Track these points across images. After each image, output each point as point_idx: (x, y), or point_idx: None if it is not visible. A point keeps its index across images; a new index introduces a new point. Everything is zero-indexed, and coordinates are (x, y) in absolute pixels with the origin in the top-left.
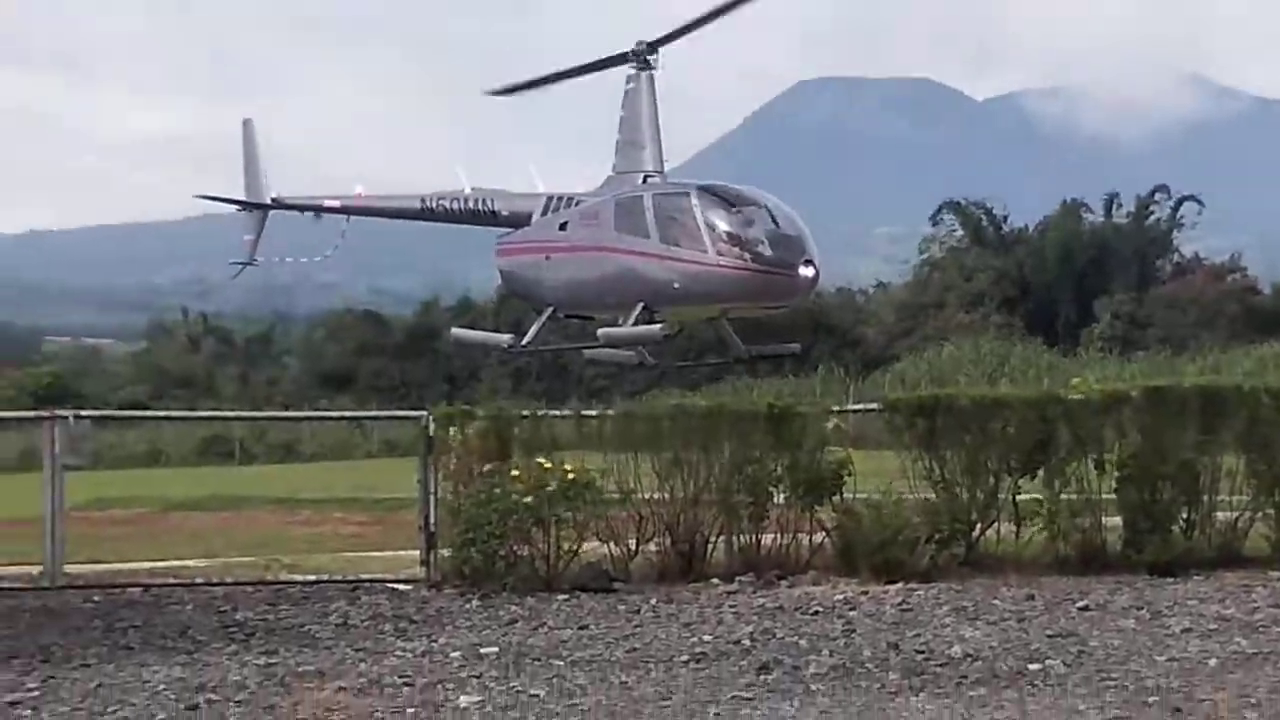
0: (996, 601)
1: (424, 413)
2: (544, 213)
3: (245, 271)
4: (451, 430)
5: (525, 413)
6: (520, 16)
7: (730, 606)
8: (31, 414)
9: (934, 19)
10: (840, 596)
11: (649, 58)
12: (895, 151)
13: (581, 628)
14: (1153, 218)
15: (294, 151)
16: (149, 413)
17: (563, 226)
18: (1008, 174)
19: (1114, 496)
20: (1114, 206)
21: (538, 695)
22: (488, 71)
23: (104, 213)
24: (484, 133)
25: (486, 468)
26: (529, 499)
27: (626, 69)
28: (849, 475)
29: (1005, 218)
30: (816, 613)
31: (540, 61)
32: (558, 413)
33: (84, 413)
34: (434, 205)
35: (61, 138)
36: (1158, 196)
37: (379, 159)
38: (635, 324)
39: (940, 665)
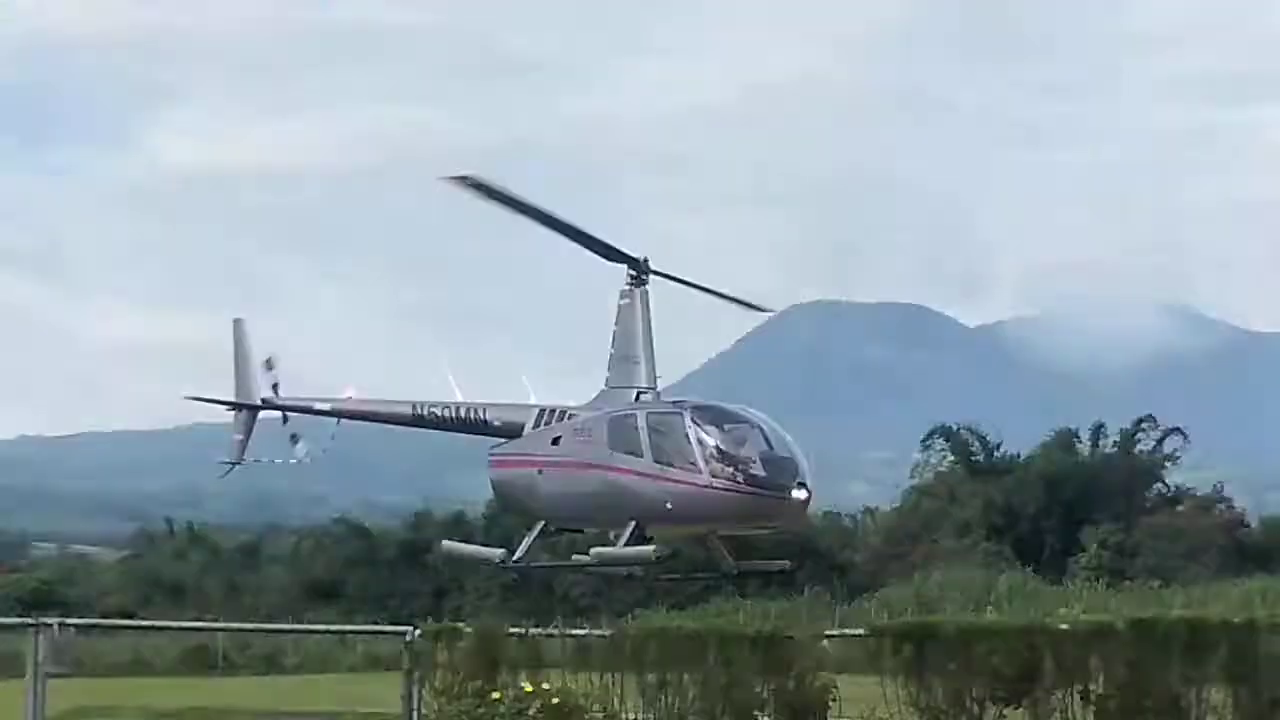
0: None
1: (409, 628)
2: (536, 425)
3: (236, 481)
4: (438, 647)
5: (513, 630)
6: (508, 239)
7: None
8: (16, 620)
9: (921, 246)
10: None
11: (643, 276)
12: (884, 376)
13: None
14: (1137, 448)
15: (288, 363)
16: (133, 622)
17: (556, 441)
18: (992, 401)
19: None
20: (1100, 437)
21: None
22: (485, 290)
23: (96, 419)
24: (482, 350)
25: (472, 685)
26: None
27: (622, 284)
28: (834, 700)
29: (998, 445)
30: None
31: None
32: (545, 631)
33: (69, 620)
34: (425, 413)
35: (53, 343)
36: (1144, 426)
37: (375, 374)
38: (628, 543)
39: None
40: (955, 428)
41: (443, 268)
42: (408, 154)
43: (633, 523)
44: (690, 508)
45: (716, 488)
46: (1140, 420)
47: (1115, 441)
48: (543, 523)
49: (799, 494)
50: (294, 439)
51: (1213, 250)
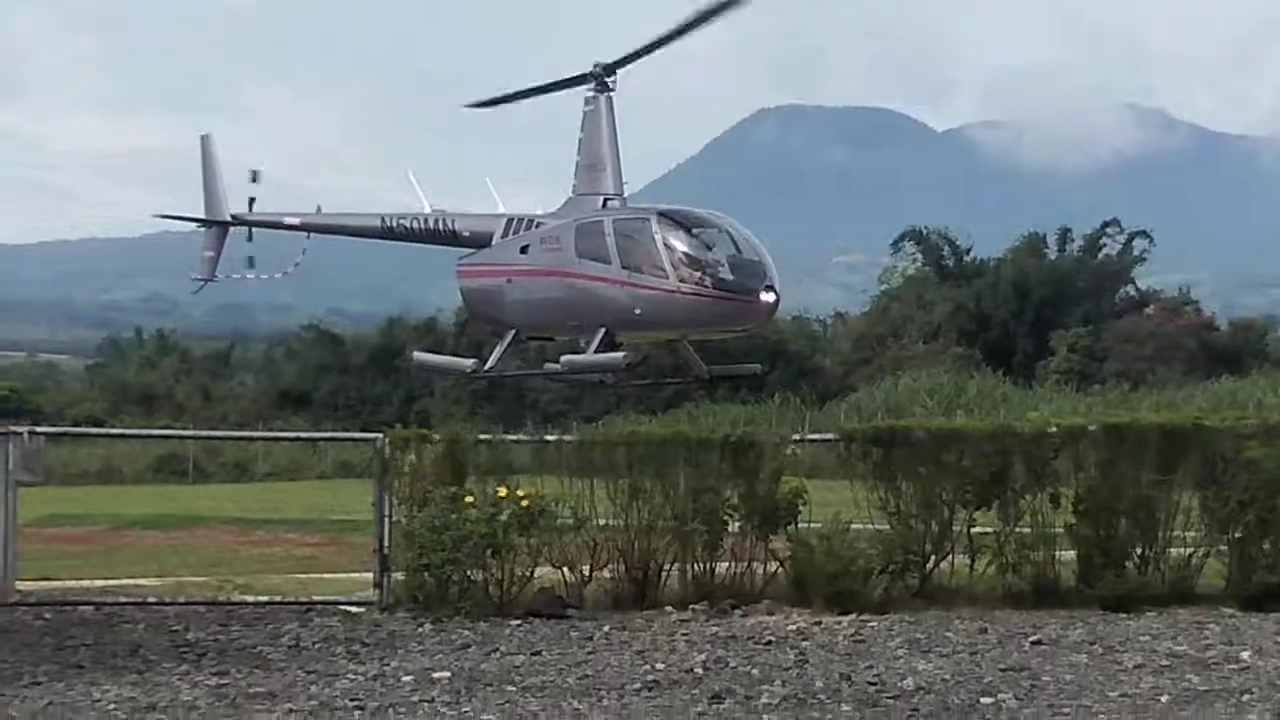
0: (949, 634)
1: (379, 435)
2: (505, 234)
3: (205, 291)
4: (406, 454)
5: (481, 437)
6: (492, 43)
7: (683, 635)
8: None
9: (887, 51)
10: (793, 627)
11: (607, 80)
12: (853, 180)
13: (534, 654)
14: (1103, 252)
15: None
16: (103, 430)
17: (524, 249)
18: (959, 204)
19: (1069, 531)
20: (1067, 241)
21: None
22: (460, 95)
23: (62, 228)
24: (457, 154)
25: (442, 492)
26: (483, 525)
27: (585, 91)
28: (804, 505)
29: (969, 250)
30: (769, 643)
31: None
32: (514, 437)
33: (39, 429)
34: (394, 225)
35: (17, 152)
36: (1109, 230)
37: (351, 179)
38: (598, 349)
39: (892, 697)
40: (925, 231)
41: (411, 75)
42: None
43: (602, 329)
44: (659, 313)
45: (684, 292)
46: (1105, 224)
47: (1080, 246)
48: (513, 331)
49: (767, 297)
50: (250, 262)
51: (1177, 52)
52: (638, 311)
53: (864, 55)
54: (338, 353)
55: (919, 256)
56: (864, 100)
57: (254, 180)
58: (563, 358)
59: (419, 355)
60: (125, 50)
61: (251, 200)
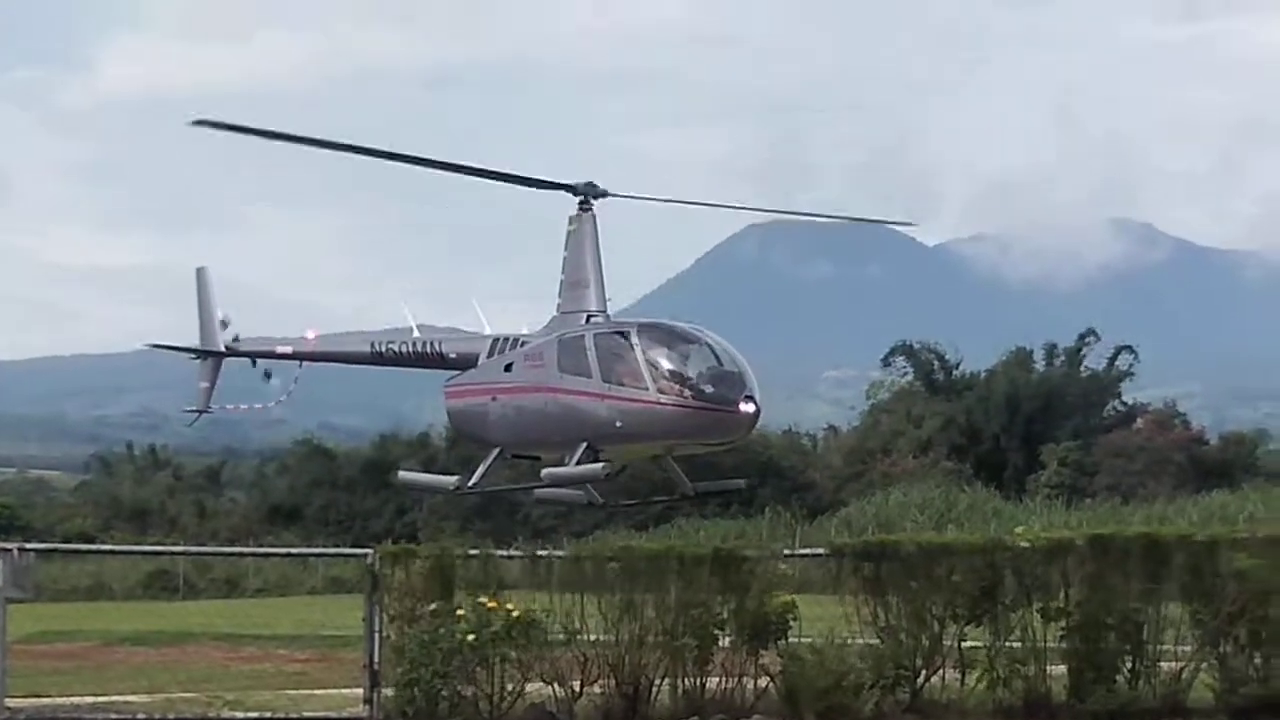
0: None
1: (369, 551)
2: (490, 354)
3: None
4: (396, 569)
5: (470, 551)
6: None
7: None
8: None
9: (870, 166)
10: None
11: (592, 199)
12: (842, 294)
13: None
14: (1085, 364)
15: (249, 287)
16: (93, 546)
17: (508, 368)
18: (946, 319)
19: (1059, 644)
20: (1054, 355)
21: None
22: (448, 214)
23: (53, 344)
24: (447, 273)
25: (431, 607)
26: (473, 638)
27: (571, 210)
28: (794, 620)
29: (958, 364)
30: None
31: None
32: (504, 553)
33: (29, 545)
34: (384, 349)
35: (7, 267)
36: (1088, 341)
37: (339, 296)
38: (579, 463)
39: None
40: (914, 346)
41: (396, 191)
42: (355, 74)
43: (584, 443)
44: (639, 425)
45: (665, 404)
46: (1083, 335)
47: (1062, 360)
48: (497, 449)
49: (747, 407)
50: (267, 375)
51: (1161, 166)
52: (619, 424)
53: (845, 171)
54: (329, 467)
55: (909, 371)
56: (847, 211)
57: (224, 327)
58: (544, 471)
59: (403, 474)
60: (116, 163)
61: (236, 337)
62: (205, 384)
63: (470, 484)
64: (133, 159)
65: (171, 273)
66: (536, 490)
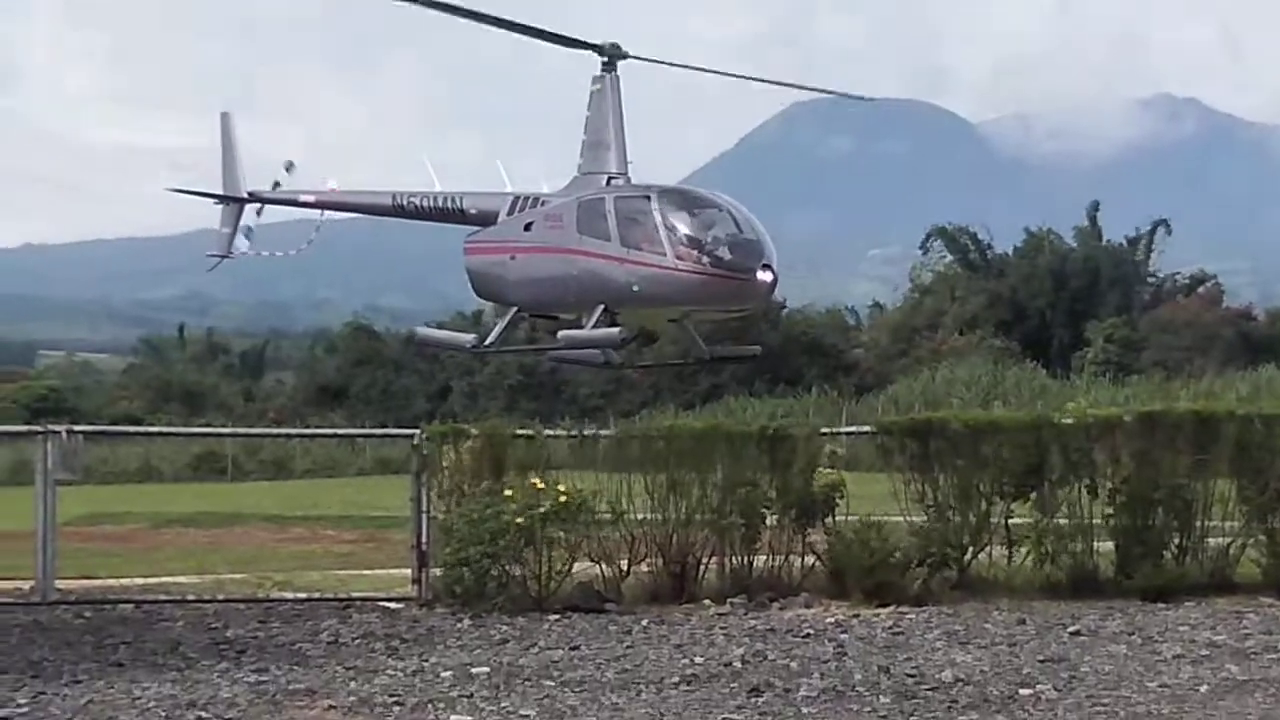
0: (988, 626)
1: (417, 431)
2: (510, 212)
3: (242, 288)
4: (445, 449)
5: (519, 432)
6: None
7: (722, 628)
8: (25, 428)
9: (899, 46)
10: (831, 619)
11: (617, 61)
12: (888, 174)
13: (573, 648)
14: (1120, 239)
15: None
16: (142, 428)
17: (528, 227)
18: (984, 198)
19: (1106, 521)
20: (1094, 229)
21: (528, 716)
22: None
23: (101, 227)
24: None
25: (479, 486)
26: (521, 519)
27: (594, 71)
28: (841, 498)
29: (989, 245)
30: (808, 635)
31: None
32: (551, 432)
33: (78, 428)
34: (404, 202)
35: (57, 151)
36: (1142, 229)
37: (379, 170)
38: (595, 326)
39: (931, 689)
40: (949, 228)
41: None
42: None
43: (601, 306)
44: (656, 290)
45: (682, 270)
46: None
47: (1085, 234)
48: (515, 309)
49: (764, 276)
50: (248, 232)
51: (1187, 37)
52: (635, 288)
53: (881, 49)
54: (375, 347)
55: (946, 254)
56: (890, 93)
57: (288, 170)
58: (560, 333)
59: (422, 331)
60: (147, 44)
61: (276, 184)
62: (227, 229)
63: (487, 343)
64: (170, 41)
65: (217, 153)
66: (551, 352)
